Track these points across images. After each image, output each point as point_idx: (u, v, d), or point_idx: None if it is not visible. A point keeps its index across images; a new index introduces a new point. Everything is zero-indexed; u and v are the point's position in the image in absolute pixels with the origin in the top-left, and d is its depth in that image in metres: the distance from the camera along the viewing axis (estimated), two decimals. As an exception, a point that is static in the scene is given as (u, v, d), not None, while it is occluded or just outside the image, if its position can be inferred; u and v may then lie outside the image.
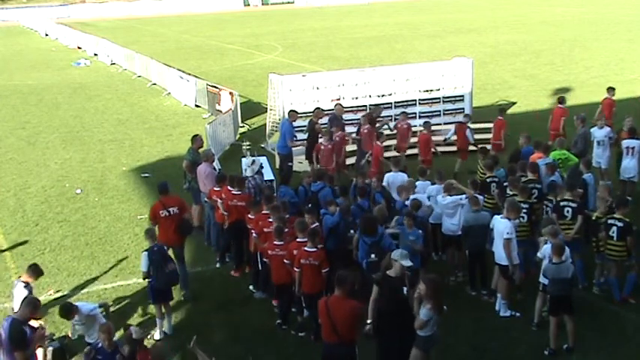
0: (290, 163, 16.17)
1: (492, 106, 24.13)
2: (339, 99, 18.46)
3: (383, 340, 8.54)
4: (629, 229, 10.21)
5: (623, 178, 14.18)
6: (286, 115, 16.95)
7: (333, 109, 17.29)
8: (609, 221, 10.36)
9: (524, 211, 10.85)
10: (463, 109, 19.75)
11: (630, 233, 10.21)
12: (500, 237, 10.14)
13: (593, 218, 10.75)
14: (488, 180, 12.26)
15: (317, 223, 10.48)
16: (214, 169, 13.78)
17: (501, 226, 10.24)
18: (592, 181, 12.52)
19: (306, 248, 9.66)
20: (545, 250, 9.69)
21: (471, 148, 16.65)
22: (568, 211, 10.86)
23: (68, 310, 8.99)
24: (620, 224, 10.23)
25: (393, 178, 12.62)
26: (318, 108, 17.04)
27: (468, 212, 10.97)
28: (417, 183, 12.00)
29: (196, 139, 14.40)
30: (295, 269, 9.69)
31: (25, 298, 8.41)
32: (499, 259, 10.39)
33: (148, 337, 10.20)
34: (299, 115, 17.02)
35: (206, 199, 13.10)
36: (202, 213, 13.98)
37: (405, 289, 8.33)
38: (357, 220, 10.63)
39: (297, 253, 9.69)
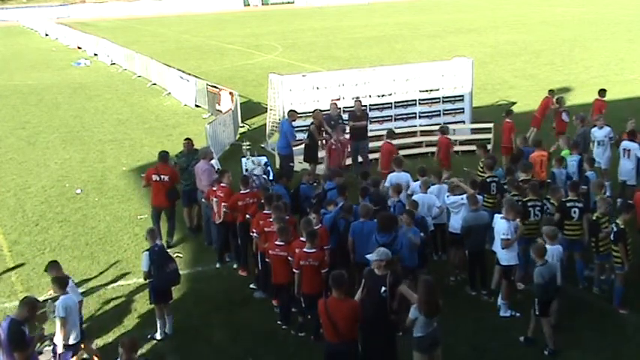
0: (291, 164, 16.19)
1: (492, 106, 24.17)
2: (339, 99, 18.48)
3: (364, 335, 8.52)
4: (621, 236, 10.11)
5: (620, 180, 14.15)
6: (286, 115, 16.98)
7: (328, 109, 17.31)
8: (611, 223, 10.34)
9: (537, 208, 10.87)
10: (463, 109, 19.77)
11: (622, 240, 10.11)
12: (498, 238, 10.16)
13: (594, 218, 10.73)
14: (488, 180, 12.27)
15: (320, 225, 10.46)
16: (212, 166, 13.78)
17: (500, 226, 10.26)
18: (594, 179, 12.54)
19: (305, 249, 9.66)
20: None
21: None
22: (575, 212, 10.86)
23: (62, 281, 8.89)
24: (615, 229, 10.17)
25: (397, 178, 12.59)
26: (317, 109, 17.02)
27: (467, 212, 10.98)
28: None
29: (185, 143, 14.41)
30: (295, 270, 9.68)
31: (23, 299, 8.39)
32: (500, 260, 10.40)
33: (149, 337, 10.22)
34: (299, 115, 17.06)
35: (203, 199, 13.10)
36: (199, 212, 14.05)
37: (383, 288, 8.35)
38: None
39: (296, 253, 9.68)
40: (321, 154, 16.52)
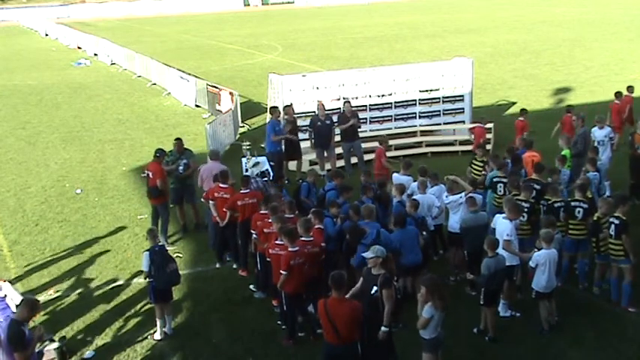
0: (271, 163, 16.16)
1: (492, 106, 24.18)
2: (339, 99, 18.48)
3: (361, 335, 8.53)
4: (624, 227, 10.14)
5: None
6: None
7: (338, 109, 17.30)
8: (610, 219, 10.36)
9: (525, 210, 10.86)
10: (463, 109, 19.78)
11: (626, 232, 10.14)
12: (501, 238, 10.14)
13: (595, 218, 10.72)
14: (494, 180, 12.25)
15: (320, 226, 10.45)
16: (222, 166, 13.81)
17: (502, 227, 10.25)
18: (596, 181, 12.53)
19: (303, 238, 9.76)
20: (537, 258, 9.72)
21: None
22: (579, 212, 10.86)
23: None
24: (617, 222, 10.19)
25: (397, 179, 12.56)
26: (289, 104, 17.05)
27: (465, 213, 10.98)
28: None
29: (176, 144, 14.41)
30: (291, 261, 9.63)
31: (23, 299, 8.37)
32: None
33: (149, 337, 10.22)
34: (298, 115, 17.08)
35: (202, 199, 13.07)
36: (196, 212, 14.12)
37: (375, 288, 8.39)
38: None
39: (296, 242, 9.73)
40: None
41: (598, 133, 14.97)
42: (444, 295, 8.04)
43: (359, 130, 17.27)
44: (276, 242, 10.05)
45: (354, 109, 17.34)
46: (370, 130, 18.57)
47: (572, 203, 10.99)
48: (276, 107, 16.96)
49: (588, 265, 11.19)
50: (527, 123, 16.58)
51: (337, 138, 17.40)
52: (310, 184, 12.59)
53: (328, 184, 12.39)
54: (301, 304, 10.03)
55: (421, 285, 8.13)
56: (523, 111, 17.49)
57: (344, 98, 18.11)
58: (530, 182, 11.75)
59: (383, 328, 8.34)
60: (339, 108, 18.40)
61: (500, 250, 9.78)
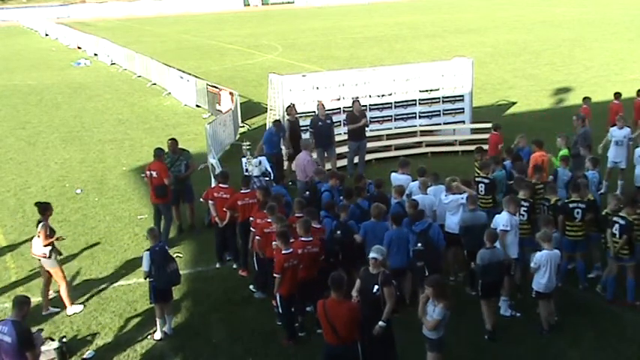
0: (271, 164, 16.17)
1: (492, 106, 24.18)
2: (339, 99, 18.46)
3: (362, 335, 8.54)
4: (629, 228, 10.18)
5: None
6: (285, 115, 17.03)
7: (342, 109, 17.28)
8: (614, 218, 10.38)
9: (524, 209, 10.86)
10: (463, 109, 19.77)
11: (629, 232, 10.18)
12: (497, 229, 10.16)
13: (603, 214, 10.77)
14: (476, 180, 12.21)
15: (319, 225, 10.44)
16: (312, 157, 14.29)
17: (499, 219, 10.29)
18: (594, 179, 12.54)
19: (302, 239, 9.75)
20: (539, 258, 9.72)
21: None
22: (578, 213, 10.87)
23: None
24: (622, 222, 10.22)
25: (397, 180, 12.54)
26: (291, 104, 17.04)
27: (464, 212, 10.97)
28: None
29: (170, 144, 14.40)
30: (287, 263, 9.61)
31: (17, 299, 8.29)
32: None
33: (149, 337, 10.22)
34: (299, 115, 17.06)
35: (202, 199, 13.06)
36: (192, 213, 14.21)
37: (376, 287, 8.41)
38: (356, 221, 10.64)
39: (294, 243, 9.75)
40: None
41: (617, 133, 14.92)
42: (449, 294, 8.13)
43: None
44: (274, 242, 10.06)
45: (354, 109, 17.31)
46: (370, 130, 18.55)
47: (571, 205, 10.98)
48: (279, 121, 16.85)
49: (595, 265, 11.21)
50: (621, 105, 16.67)
51: (338, 138, 17.41)
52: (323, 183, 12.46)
53: (324, 184, 12.36)
54: (297, 305, 10.01)
55: (427, 285, 8.17)
56: (617, 94, 17.69)
57: (349, 98, 18.09)
58: (530, 182, 11.75)
59: (380, 323, 8.35)
60: (339, 108, 18.42)
61: (498, 244, 9.82)
